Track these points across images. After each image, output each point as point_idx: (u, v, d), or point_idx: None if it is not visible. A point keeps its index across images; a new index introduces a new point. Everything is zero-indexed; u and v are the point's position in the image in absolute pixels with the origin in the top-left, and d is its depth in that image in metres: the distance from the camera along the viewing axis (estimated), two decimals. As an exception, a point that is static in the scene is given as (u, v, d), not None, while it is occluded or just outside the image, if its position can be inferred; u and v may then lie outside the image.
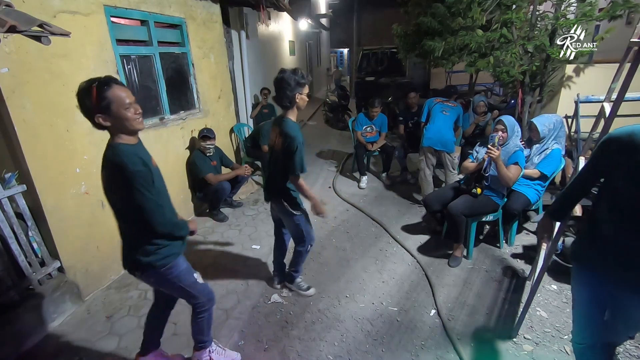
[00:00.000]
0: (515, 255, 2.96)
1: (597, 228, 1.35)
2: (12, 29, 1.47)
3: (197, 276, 1.71)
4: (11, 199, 2.19)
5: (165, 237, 1.52)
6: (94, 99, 1.28)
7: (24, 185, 2.21)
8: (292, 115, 2.18)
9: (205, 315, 1.81)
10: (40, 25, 1.61)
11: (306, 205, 2.32)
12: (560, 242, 2.55)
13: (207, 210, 3.92)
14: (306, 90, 2.12)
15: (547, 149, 2.93)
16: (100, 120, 1.32)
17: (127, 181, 1.33)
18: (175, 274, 1.60)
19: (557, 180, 4.01)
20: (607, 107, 1.70)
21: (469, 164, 2.94)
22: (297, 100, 2.12)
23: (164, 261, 1.54)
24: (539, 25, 4.02)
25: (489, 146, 2.62)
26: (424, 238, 3.33)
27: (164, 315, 1.94)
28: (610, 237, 1.30)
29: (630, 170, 1.19)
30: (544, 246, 2.48)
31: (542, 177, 2.92)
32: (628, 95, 1.52)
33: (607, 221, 1.31)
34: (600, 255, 1.34)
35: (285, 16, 7.99)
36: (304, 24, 10.10)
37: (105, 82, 1.31)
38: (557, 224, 1.97)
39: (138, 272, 1.57)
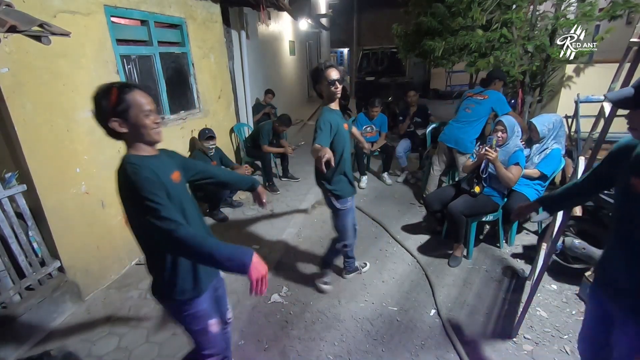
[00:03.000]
0: (515, 255, 2.96)
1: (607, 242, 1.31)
2: (12, 29, 1.47)
3: (213, 323, 1.44)
4: (11, 198, 2.19)
5: (182, 262, 1.32)
6: (112, 100, 1.17)
7: (24, 185, 2.21)
8: (327, 104, 2.20)
9: None
10: (41, 25, 1.62)
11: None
12: (560, 242, 2.55)
13: (207, 210, 3.92)
14: (328, 77, 2.10)
15: (547, 148, 2.93)
16: (116, 125, 1.19)
17: (136, 191, 1.15)
18: (190, 312, 1.37)
19: (557, 180, 4.01)
20: (607, 107, 1.70)
21: (469, 163, 2.94)
22: (324, 91, 2.16)
23: (181, 296, 1.34)
24: (539, 25, 4.03)
25: (486, 148, 2.62)
26: (424, 238, 3.32)
27: None
28: (607, 251, 1.29)
29: (620, 180, 1.19)
30: (544, 246, 2.48)
31: (542, 177, 2.92)
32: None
33: (610, 234, 1.27)
34: (601, 269, 1.31)
35: (285, 16, 7.98)
36: (304, 24, 10.10)
37: (127, 85, 1.22)
38: (557, 223, 1.97)
39: (156, 296, 1.40)
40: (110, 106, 1.17)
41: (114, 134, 1.23)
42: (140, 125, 1.21)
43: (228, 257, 1.16)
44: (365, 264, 2.86)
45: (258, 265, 1.18)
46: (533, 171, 2.91)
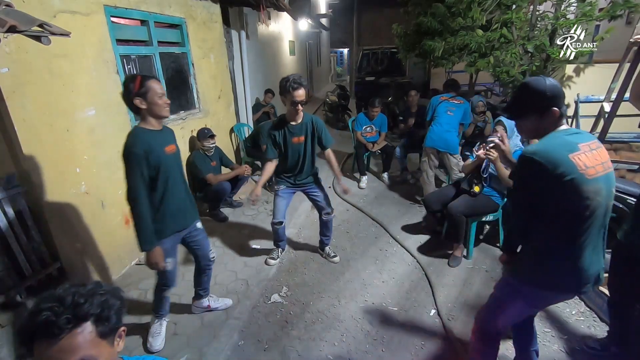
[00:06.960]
0: (515, 255, 2.96)
1: None
2: (12, 29, 1.47)
3: (169, 262, 1.92)
4: (11, 198, 2.19)
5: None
6: (137, 84, 1.67)
7: (24, 186, 2.21)
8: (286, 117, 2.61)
9: (158, 295, 2.08)
10: (40, 25, 1.61)
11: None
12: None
13: (207, 211, 3.92)
14: (293, 98, 2.40)
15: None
16: (138, 102, 1.69)
17: (124, 157, 1.70)
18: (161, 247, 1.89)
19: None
20: (607, 107, 1.70)
21: (469, 163, 2.94)
22: (286, 106, 2.53)
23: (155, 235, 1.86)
24: (539, 25, 4.03)
25: (488, 147, 2.62)
26: (424, 238, 3.32)
27: (200, 269, 2.25)
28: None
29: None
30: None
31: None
32: (627, 95, 1.52)
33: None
34: None
35: (285, 16, 7.98)
36: (304, 24, 10.10)
37: (148, 76, 1.74)
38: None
39: None
40: (135, 89, 1.68)
41: (135, 109, 1.73)
42: (154, 103, 1.73)
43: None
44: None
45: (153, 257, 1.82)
46: None
